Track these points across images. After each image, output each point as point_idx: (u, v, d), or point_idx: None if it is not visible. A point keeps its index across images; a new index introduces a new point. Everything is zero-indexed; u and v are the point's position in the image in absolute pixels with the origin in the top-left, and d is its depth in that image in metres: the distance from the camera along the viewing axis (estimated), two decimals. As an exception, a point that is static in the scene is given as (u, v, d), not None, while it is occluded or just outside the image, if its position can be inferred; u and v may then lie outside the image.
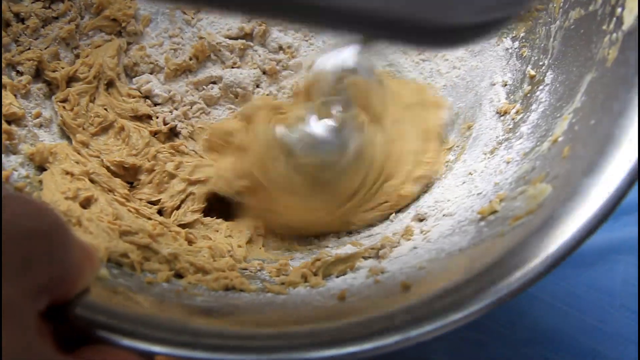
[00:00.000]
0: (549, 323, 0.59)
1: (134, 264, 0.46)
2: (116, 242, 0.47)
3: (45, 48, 0.62)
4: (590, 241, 0.38)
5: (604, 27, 0.47)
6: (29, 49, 0.61)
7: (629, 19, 0.45)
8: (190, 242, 0.53)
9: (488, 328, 0.58)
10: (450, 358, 0.57)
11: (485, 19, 0.32)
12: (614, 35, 0.46)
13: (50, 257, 0.31)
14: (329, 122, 0.53)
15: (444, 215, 0.53)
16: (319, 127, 0.54)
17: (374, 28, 0.32)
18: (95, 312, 0.36)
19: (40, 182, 0.52)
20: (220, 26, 0.69)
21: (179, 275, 0.48)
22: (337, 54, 0.51)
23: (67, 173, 0.53)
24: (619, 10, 0.46)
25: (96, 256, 0.38)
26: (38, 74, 0.62)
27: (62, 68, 0.62)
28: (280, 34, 0.69)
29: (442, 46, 0.37)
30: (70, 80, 0.63)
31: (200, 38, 0.68)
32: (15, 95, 0.58)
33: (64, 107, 0.60)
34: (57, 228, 0.32)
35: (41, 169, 0.54)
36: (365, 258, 0.51)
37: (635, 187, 0.38)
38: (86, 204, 0.51)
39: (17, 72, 0.60)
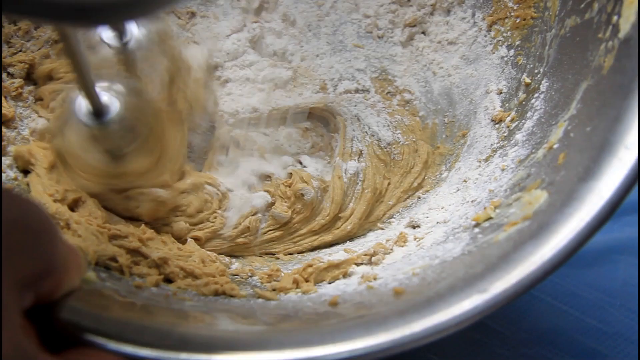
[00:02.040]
0: (549, 323, 0.58)
1: (122, 268, 0.45)
2: (105, 246, 0.46)
3: (37, 50, 0.61)
4: (591, 241, 0.37)
5: (600, 35, 0.47)
6: (21, 50, 0.60)
7: (625, 27, 0.44)
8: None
9: (488, 328, 0.58)
10: (450, 358, 0.56)
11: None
12: (610, 43, 0.45)
13: (36, 251, 0.31)
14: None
15: (437, 222, 0.53)
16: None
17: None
18: (81, 314, 0.36)
19: (28, 184, 0.51)
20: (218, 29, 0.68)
21: (168, 280, 0.47)
22: None
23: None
24: (615, 18, 0.46)
25: (83, 259, 0.37)
26: (29, 77, 0.61)
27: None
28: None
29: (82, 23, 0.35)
30: (51, 79, 0.61)
31: (195, 43, 0.67)
32: (5, 97, 0.57)
33: (40, 106, 0.59)
34: (44, 223, 0.31)
35: (26, 172, 0.53)
36: (357, 264, 0.50)
37: (636, 188, 0.38)
38: (74, 206, 0.50)
39: (8, 73, 0.59)
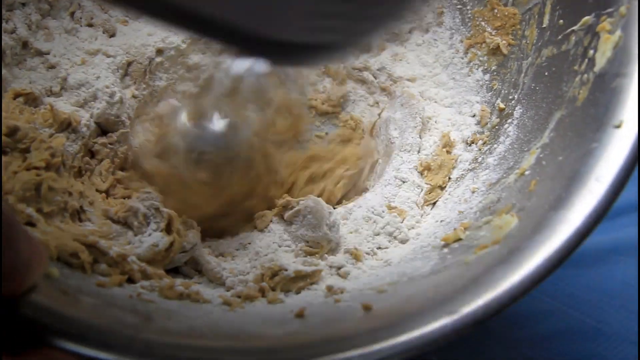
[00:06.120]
0: (548, 324, 0.58)
1: (84, 265, 0.44)
2: (66, 241, 0.45)
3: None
4: (590, 242, 0.38)
5: (576, 67, 0.48)
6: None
7: (600, 61, 0.46)
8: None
9: (488, 328, 0.57)
10: (449, 358, 0.55)
11: (316, 41, 0.32)
12: (585, 75, 0.47)
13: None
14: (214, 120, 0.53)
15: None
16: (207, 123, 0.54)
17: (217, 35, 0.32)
18: (42, 313, 0.34)
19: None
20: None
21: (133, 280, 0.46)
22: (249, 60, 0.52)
23: None
24: (591, 52, 0.47)
25: (45, 253, 0.36)
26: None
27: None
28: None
29: (284, 61, 0.38)
30: None
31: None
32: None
33: None
34: (4, 220, 0.30)
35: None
36: (325, 276, 0.50)
37: (636, 189, 0.38)
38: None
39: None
